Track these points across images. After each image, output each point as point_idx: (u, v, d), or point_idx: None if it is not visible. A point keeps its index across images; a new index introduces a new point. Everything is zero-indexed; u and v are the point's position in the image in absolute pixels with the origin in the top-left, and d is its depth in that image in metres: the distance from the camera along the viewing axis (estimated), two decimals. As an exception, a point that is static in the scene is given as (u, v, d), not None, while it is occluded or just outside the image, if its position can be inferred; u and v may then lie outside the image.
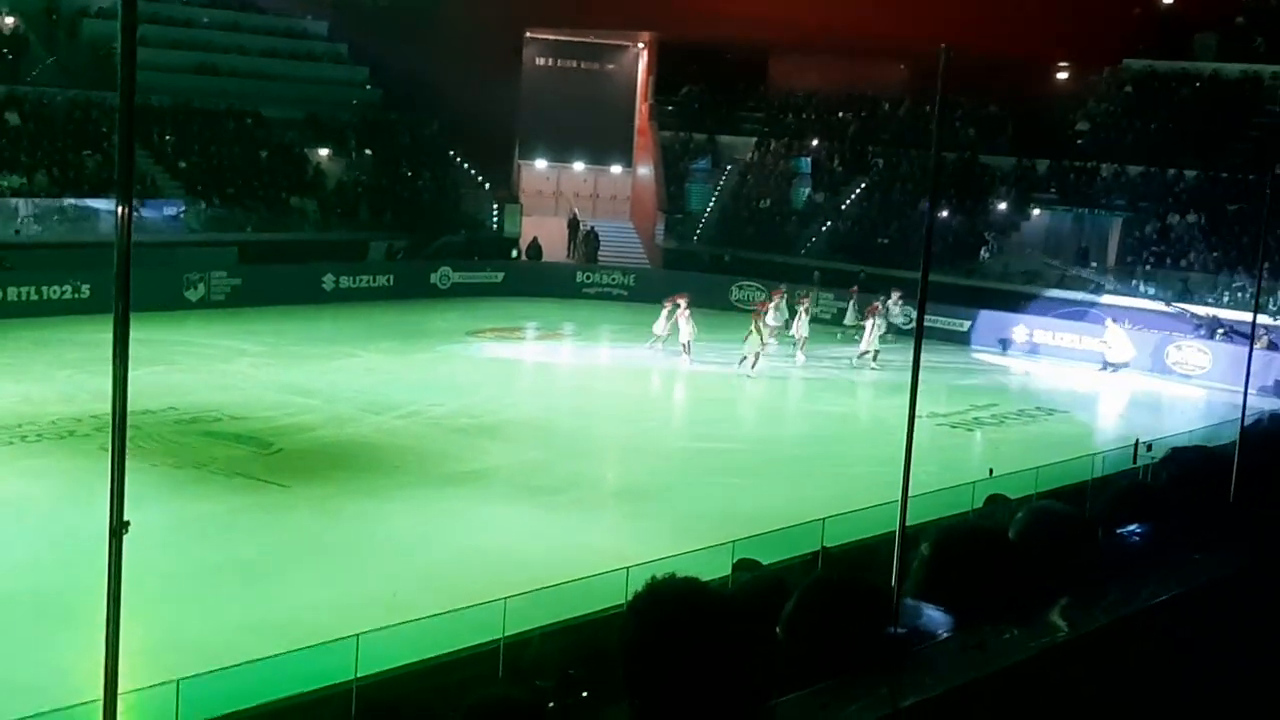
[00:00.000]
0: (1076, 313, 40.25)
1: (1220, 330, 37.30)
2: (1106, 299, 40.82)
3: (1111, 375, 36.79)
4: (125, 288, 3.01)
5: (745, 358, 32.52)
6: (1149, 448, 20.69)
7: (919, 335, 4.73)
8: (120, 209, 3.17)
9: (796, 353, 34.99)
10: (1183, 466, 5.06)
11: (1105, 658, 3.49)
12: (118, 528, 3.13)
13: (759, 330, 32.79)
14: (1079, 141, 46.84)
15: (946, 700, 3.06)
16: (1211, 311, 38.37)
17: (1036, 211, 45.33)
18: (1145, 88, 47.46)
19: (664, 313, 34.87)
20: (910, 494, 3.71)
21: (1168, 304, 39.53)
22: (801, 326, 35.29)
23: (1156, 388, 35.75)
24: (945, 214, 44.50)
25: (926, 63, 44.84)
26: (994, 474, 20.35)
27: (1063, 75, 51.51)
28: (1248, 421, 5.22)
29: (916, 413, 4.66)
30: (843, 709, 2.98)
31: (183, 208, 40.85)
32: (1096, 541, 4.12)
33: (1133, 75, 48.08)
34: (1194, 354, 37.02)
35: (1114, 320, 38.01)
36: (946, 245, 43.37)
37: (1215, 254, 40.80)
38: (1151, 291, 40.77)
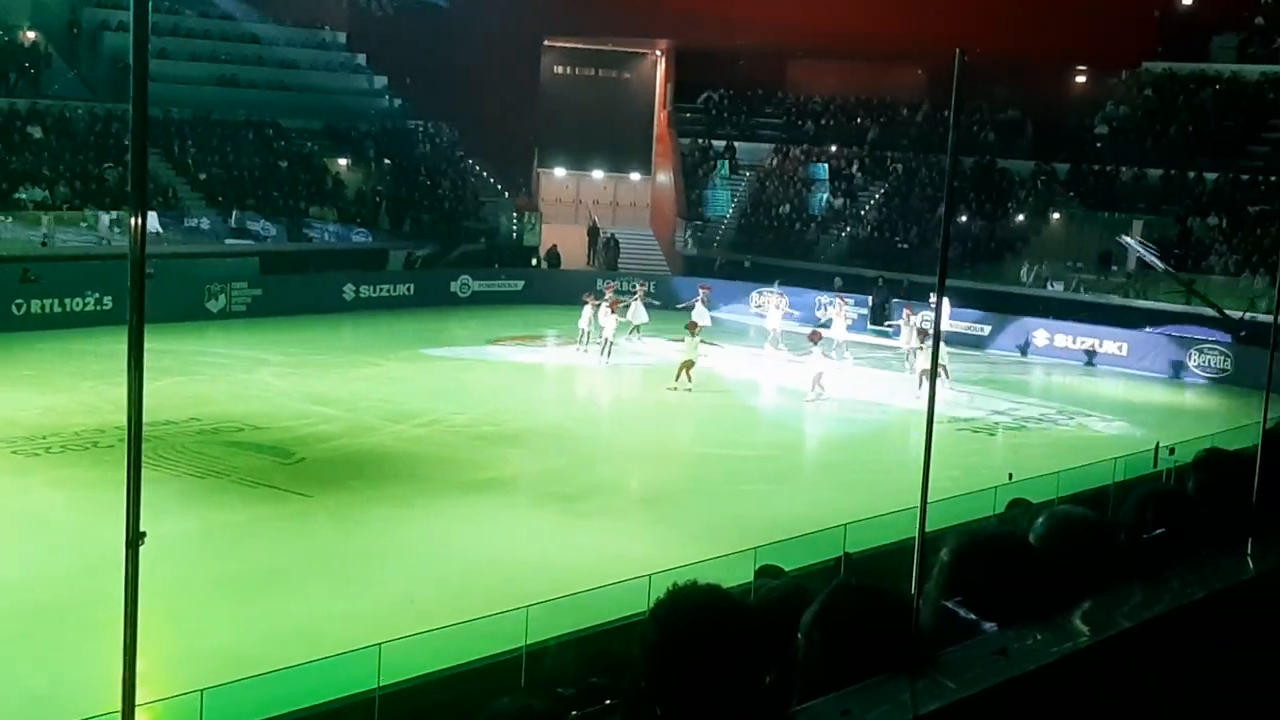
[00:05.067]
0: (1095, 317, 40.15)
1: (1242, 333, 36.94)
2: (1130, 302, 40.70)
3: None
4: (140, 299, 3.01)
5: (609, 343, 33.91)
6: (1171, 451, 20.63)
7: (936, 339, 4.71)
8: (134, 220, 3.16)
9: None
10: (1205, 470, 5.02)
11: (1128, 662, 3.47)
12: (134, 539, 3.13)
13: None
14: (1098, 145, 46.72)
15: (968, 705, 3.03)
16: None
17: (1056, 215, 45.22)
18: (1164, 90, 47.31)
19: (586, 309, 35.38)
20: (931, 499, 3.70)
21: (1220, 312, 38.53)
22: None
23: (1178, 391, 35.58)
24: (964, 218, 44.44)
25: (945, 68, 44.65)
26: (1014, 479, 20.28)
27: (1081, 79, 51.39)
28: (1269, 424, 5.20)
29: (935, 418, 4.66)
30: (863, 715, 2.96)
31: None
32: (1119, 545, 4.08)
33: (1152, 78, 47.94)
34: (1217, 357, 36.82)
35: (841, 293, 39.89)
36: (965, 250, 43.34)
37: (1236, 256, 40.61)
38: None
